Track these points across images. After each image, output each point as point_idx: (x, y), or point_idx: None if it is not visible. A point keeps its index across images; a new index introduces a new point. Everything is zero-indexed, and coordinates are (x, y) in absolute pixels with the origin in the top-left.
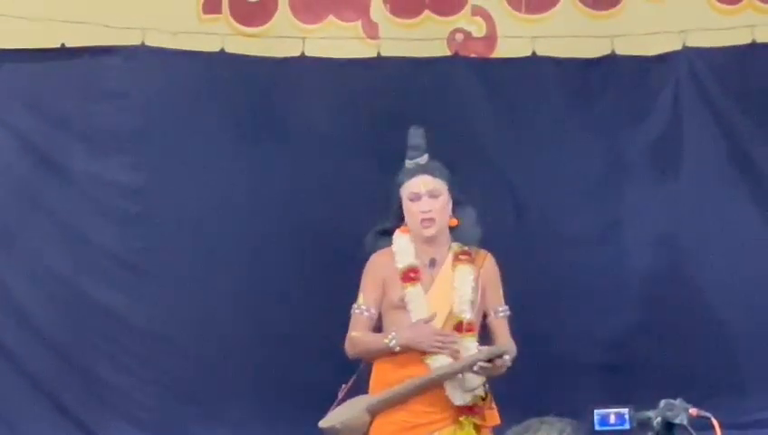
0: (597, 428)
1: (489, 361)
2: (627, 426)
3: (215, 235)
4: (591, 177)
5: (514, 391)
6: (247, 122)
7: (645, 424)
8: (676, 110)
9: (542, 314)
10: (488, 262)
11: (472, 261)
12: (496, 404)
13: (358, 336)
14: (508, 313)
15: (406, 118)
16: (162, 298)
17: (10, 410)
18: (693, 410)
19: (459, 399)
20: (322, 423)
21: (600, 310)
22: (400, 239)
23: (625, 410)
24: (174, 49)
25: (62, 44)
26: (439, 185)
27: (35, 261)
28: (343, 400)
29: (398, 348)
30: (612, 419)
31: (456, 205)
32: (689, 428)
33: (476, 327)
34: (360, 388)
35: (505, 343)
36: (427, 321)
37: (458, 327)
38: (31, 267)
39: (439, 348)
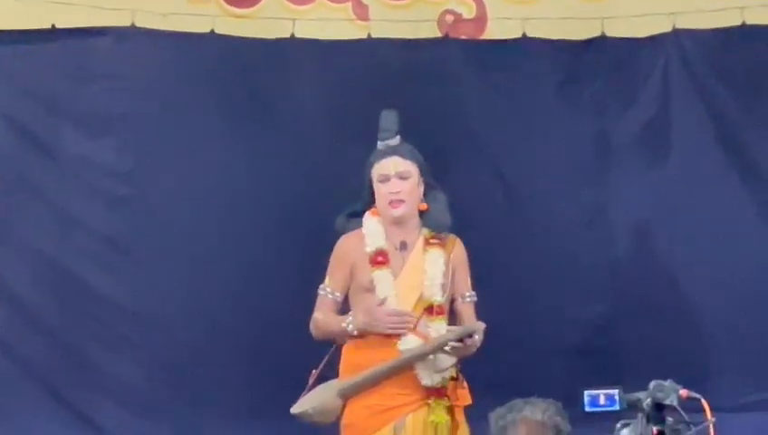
0: (587, 409)
1: (459, 340)
2: (617, 407)
3: (204, 217)
4: (580, 159)
5: (500, 373)
6: (237, 104)
7: (635, 405)
8: (666, 91)
9: (529, 297)
10: (458, 247)
11: (443, 245)
12: (480, 387)
13: (320, 318)
14: (474, 298)
15: (396, 99)
16: (152, 281)
17: (1, 392)
18: (683, 392)
19: (429, 380)
20: (294, 409)
21: (589, 293)
22: (369, 222)
23: (615, 391)
24: (164, 30)
25: (52, 25)
26: (410, 167)
27: (24, 244)
28: (314, 385)
29: (355, 332)
30: (602, 400)
31: (428, 190)
32: (679, 409)
33: (446, 310)
34: (331, 373)
35: (479, 332)
36: (380, 304)
37: (429, 310)
38: (20, 250)
39: (395, 329)
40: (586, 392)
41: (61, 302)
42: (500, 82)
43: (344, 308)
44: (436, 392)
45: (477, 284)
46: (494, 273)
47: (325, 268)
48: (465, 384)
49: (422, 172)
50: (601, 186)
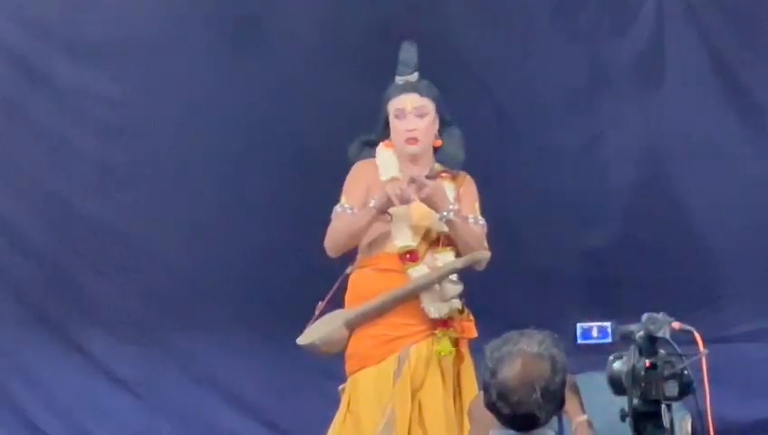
0: (579, 341)
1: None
2: (609, 339)
3: (198, 146)
4: (575, 88)
5: (495, 303)
6: (231, 33)
7: (627, 337)
8: (660, 18)
9: (524, 227)
10: (467, 181)
11: (453, 179)
12: (476, 317)
13: (337, 225)
14: (481, 222)
15: (389, 30)
16: (145, 209)
17: None
18: (675, 324)
19: (435, 311)
20: (301, 340)
21: (583, 223)
22: (384, 153)
23: (607, 324)
24: None
25: None
26: (426, 103)
27: (18, 171)
28: (320, 315)
29: (374, 207)
30: (595, 332)
31: (444, 125)
32: (672, 341)
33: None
34: (338, 304)
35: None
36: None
37: (436, 241)
38: (13, 178)
39: (399, 195)
40: (578, 325)
41: (52, 228)
42: (493, 11)
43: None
44: (443, 324)
45: None
46: (489, 203)
47: (323, 195)
48: (472, 317)
49: (438, 109)
50: (596, 114)
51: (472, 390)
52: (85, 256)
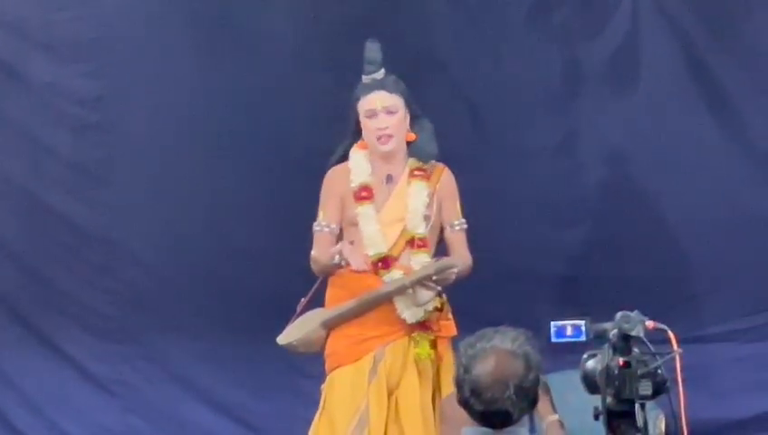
0: (553, 339)
1: (441, 273)
2: (583, 338)
3: (174, 144)
4: (549, 88)
5: (470, 302)
6: (207, 30)
7: (601, 336)
8: (635, 20)
9: (498, 226)
10: (445, 176)
11: (427, 177)
12: (453, 316)
13: (314, 255)
14: (464, 226)
15: (364, 29)
16: (121, 207)
17: None
18: (649, 323)
19: (410, 317)
20: (280, 340)
21: (556, 222)
22: (357, 155)
23: (581, 322)
24: None
25: None
26: (396, 100)
27: None
28: (302, 313)
29: (343, 262)
30: (569, 330)
31: (414, 119)
32: (645, 340)
33: (430, 243)
34: (319, 301)
35: (461, 256)
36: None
37: (411, 243)
38: None
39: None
40: (552, 323)
41: (29, 228)
42: (468, 11)
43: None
44: (420, 325)
45: None
46: (464, 202)
47: (295, 196)
48: (451, 316)
49: (407, 103)
50: (571, 114)
51: (451, 388)
52: (60, 255)
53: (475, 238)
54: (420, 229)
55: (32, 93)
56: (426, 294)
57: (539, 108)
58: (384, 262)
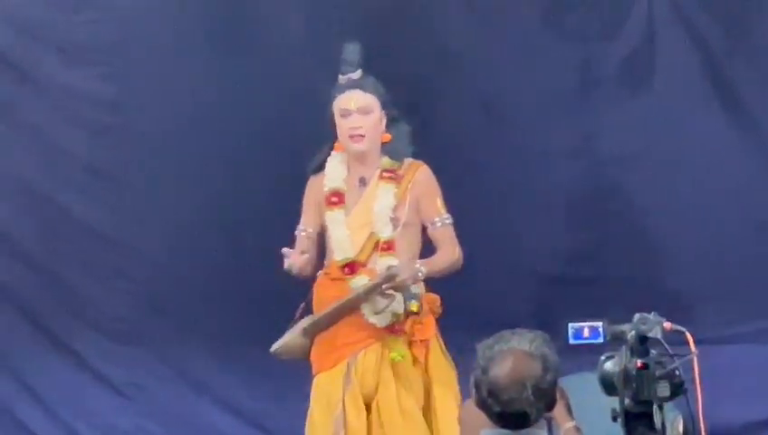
0: (571, 341)
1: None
2: (601, 339)
3: (188, 146)
4: (564, 90)
5: (484, 304)
6: (220, 32)
7: (619, 338)
8: (650, 22)
9: (514, 228)
10: (420, 173)
11: (397, 178)
12: (463, 318)
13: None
14: (448, 221)
15: (379, 27)
16: (135, 209)
17: None
18: (667, 324)
19: (377, 321)
20: (272, 347)
21: (573, 223)
22: (333, 159)
23: (599, 324)
24: None
25: None
26: (371, 101)
27: (7, 171)
28: (298, 320)
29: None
30: (586, 332)
31: (392, 121)
32: (663, 341)
33: (406, 244)
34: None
35: (446, 252)
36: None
37: (376, 246)
38: (4, 178)
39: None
40: (570, 325)
41: (44, 230)
42: (483, 12)
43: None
44: (392, 330)
45: (462, 212)
46: (478, 202)
47: None
48: (430, 319)
49: (384, 105)
50: (585, 115)
51: (444, 383)
52: (75, 257)
53: (490, 239)
54: (386, 232)
55: (48, 96)
56: (382, 302)
57: (554, 109)
58: (350, 267)
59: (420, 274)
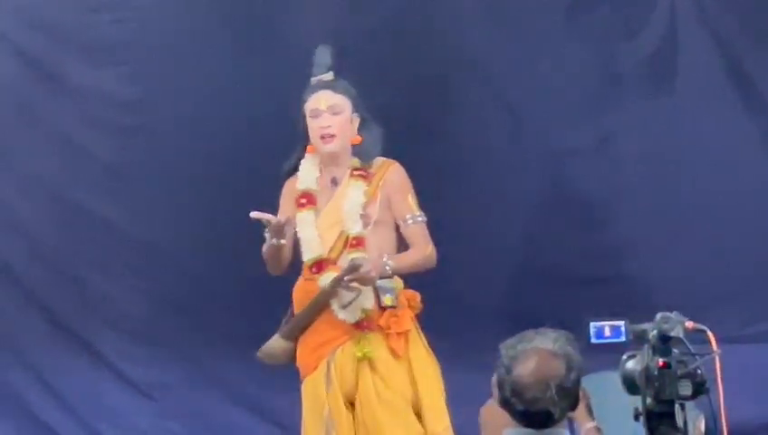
0: (592, 340)
1: (352, 272)
2: (622, 338)
3: (211, 147)
4: (586, 89)
5: (505, 303)
6: (245, 32)
7: (640, 337)
8: (673, 22)
9: (536, 227)
10: (390, 172)
11: (367, 176)
12: (485, 317)
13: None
14: (419, 219)
15: (399, 27)
16: (157, 210)
17: (2, 320)
18: (689, 323)
19: (346, 317)
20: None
21: (594, 223)
22: (305, 161)
23: (621, 323)
24: None
25: None
26: (341, 101)
27: (30, 172)
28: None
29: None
30: (607, 331)
31: (363, 123)
32: (685, 340)
33: (377, 241)
34: None
35: (417, 250)
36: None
37: (345, 243)
38: (25, 178)
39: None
40: (591, 324)
41: (66, 231)
42: (505, 11)
43: None
44: (365, 325)
45: (484, 212)
46: (501, 201)
47: None
48: (406, 312)
49: (356, 107)
50: (606, 114)
51: (428, 377)
52: (96, 258)
53: (513, 238)
54: (355, 229)
55: (69, 96)
56: (347, 296)
57: (575, 109)
58: (318, 266)
59: (387, 268)
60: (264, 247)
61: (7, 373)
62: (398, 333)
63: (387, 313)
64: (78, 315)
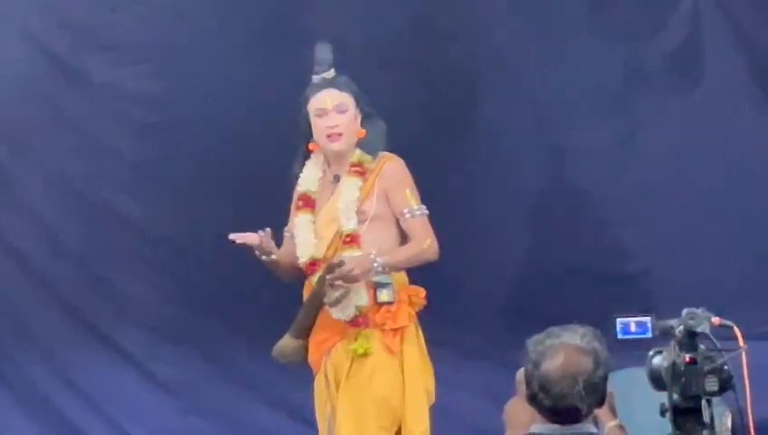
0: (619, 336)
1: (332, 271)
2: (649, 334)
3: (235, 144)
4: (610, 87)
5: (529, 301)
6: (266, 30)
7: (667, 333)
8: (695, 18)
9: (560, 225)
10: (387, 166)
11: (363, 172)
12: (510, 314)
13: None
14: (418, 212)
15: (424, 25)
16: (181, 208)
17: (28, 319)
18: (715, 319)
19: (340, 315)
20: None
21: (619, 220)
22: (310, 161)
23: (647, 319)
24: None
25: None
26: (346, 99)
27: (54, 170)
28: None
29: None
30: (633, 327)
31: (366, 118)
32: (711, 336)
33: (365, 238)
34: None
35: (414, 243)
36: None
37: (340, 240)
38: (50, 176)
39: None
40: (618, 320)
41: (90, 229)
42: (529, 8)
43: None
44: (352, 323)
45: (506, 209)
46: (525, 198)
47: None
48: (401, 308)
49: (358, 103)
50: (630, 112)
51: (416, 376)
52: (121, 256)
53: (537, 236)
54: (349, 225)
55: (93, 94)
56: (332, 294)
57: (599, 106)
58: (312, 265)
59: (376, 264)
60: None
61: (32, 372)
62: (393, 330)
63: (383, 309)
64: (104, 314)
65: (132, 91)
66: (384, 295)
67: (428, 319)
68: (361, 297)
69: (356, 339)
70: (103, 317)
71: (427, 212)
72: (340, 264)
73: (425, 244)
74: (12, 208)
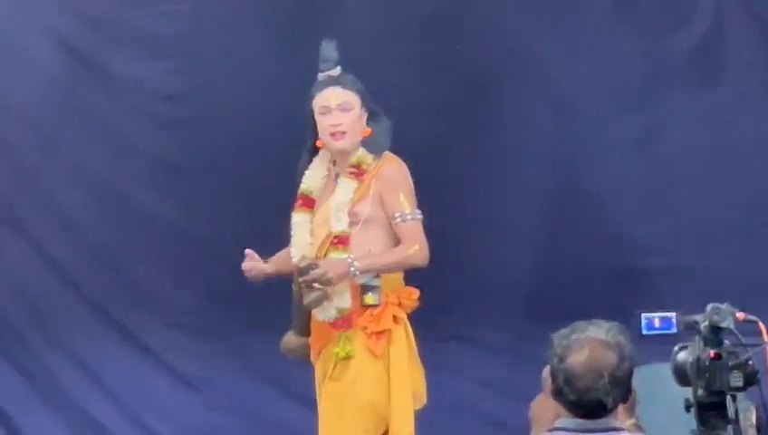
0: (643, 332)
1: (305, 273)
2: (673, 330)
3: (258, 139)
4: (632, 81)
5: (554, 296)
6: (292, 25)
7: (692, 328)
8: (718, 13)
9: (584, 220)
10: (385, 168)
11: (359, 174)
12: (534, 309)
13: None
14: (409, 217)
15: (445, 27)
16: (206, 203)
17: (51, 313)
18: (740, 315)
19: (322, 316)
20: None
21: (642, 215)
22: (317, 157)
23: (672, 315)
24: None
25: None
26: (350, 97)
27: (78, 165)
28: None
29: None
30: (658, 323)
31: (372, 116)
32: (736, 332)
33: (356, 239)
34: None
35: (400, 248)
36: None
37: (330, 241)
38: (74, 172)
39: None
40: (642, 315)
41: (115, 225)
42: (552, 3)
43: None
44: (336, 325)
45: (528, 205)
46: (546, 194)
47: None
48: (387, 310)
49: (364, 101)
50: (653, 107)
51: (402, 377)
52: (145, 252)
53: (561, 233)
54: (339, 227)
55: (117, 90)
56: (309, 296)
57: (622, 101)
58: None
59: (353, 268)
60: None
61: (56, 369)
62: (377, 333)
63: (367, 312)
64: (129, 310)
65: (155, 87)
66: (370, 298)
67: (455, 316)
68: (344, 299)
69: (340, 342)
70: (127, 313)
71: (420, 217)
72: (312, 267)
73: (411, 249)
74: (37, 204)
